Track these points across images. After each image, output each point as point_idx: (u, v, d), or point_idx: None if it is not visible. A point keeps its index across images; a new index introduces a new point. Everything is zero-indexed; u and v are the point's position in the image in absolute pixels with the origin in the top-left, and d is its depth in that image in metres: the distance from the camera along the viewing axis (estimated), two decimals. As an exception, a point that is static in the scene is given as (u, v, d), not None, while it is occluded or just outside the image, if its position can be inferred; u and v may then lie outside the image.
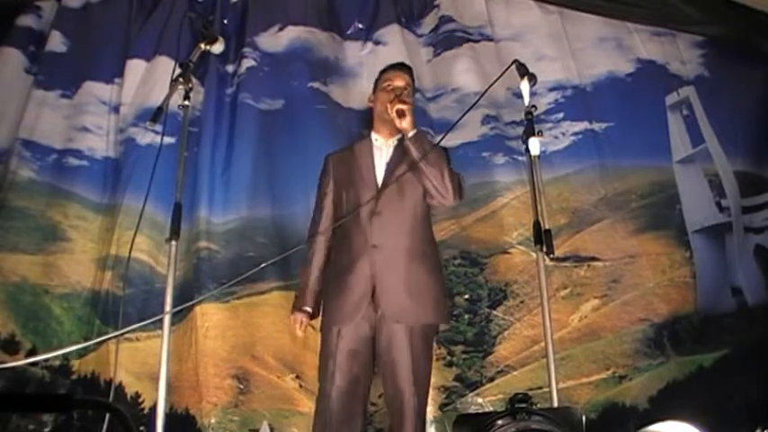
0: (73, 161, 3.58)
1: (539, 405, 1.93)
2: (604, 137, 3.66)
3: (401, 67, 2.88)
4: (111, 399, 2.64)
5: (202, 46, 2.62)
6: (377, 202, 2.59)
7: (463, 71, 3.71)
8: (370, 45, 3.80)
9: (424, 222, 2.68)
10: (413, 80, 2.85)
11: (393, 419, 2.53)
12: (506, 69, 2.63)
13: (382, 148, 2.75)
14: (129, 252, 2.75)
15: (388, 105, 2.61)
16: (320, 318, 2.71)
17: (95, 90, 3.68)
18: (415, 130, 2.60)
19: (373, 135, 2.80)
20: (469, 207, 3.52)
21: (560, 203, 3.53)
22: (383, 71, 2.88)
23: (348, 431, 2.49)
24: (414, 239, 2.60)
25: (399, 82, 2.77)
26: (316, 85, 3.68)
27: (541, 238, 2.31)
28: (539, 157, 2.41)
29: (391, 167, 2.67)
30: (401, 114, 2.57)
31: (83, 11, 3.82)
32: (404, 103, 2.60)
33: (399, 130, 2.63)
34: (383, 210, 2.59)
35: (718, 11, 3.73)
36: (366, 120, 3.48)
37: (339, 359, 2.50)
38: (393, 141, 2.74)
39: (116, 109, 3.64)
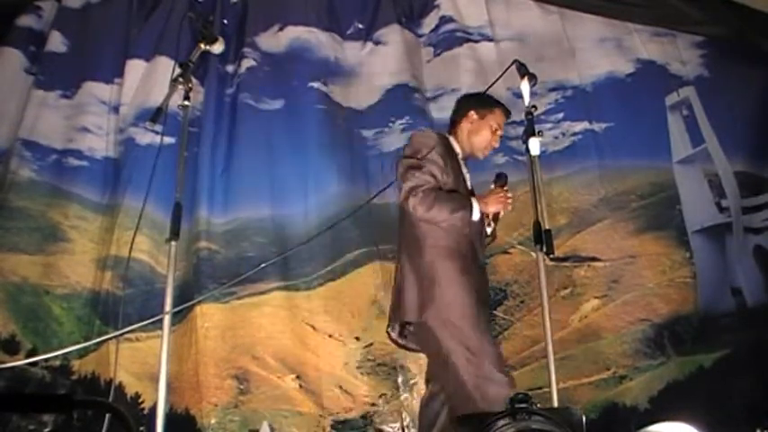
0: (73, 161, 3.59)
1: (539, 405, 1.92)
2: (604, 137, 3.65)
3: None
4: (111, 399, 2.64)
5: (202, 46, 2.62)
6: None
7: (463, 71, 3.71)
8: (370, 45, 3.80)
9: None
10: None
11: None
12: (506, 69, 2.64)
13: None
14: (129, 252, 2.75)
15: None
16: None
17: (95, 90, 3.69)
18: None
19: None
20: (469, 207, 3.53)
21: (560, 203, 3.53)
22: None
23: None
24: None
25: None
26: (316, 85, 3.68)
27: (541, 238, 2.31)
28: (539, 157, 2.42)
29: None
30: None
31: (83, 11, 3.83)
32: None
33: None
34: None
35: (718, 11, 3.72)
36: (366, 119, 3.50)
37: None
38: None
39: (116, 109, 3.65)
